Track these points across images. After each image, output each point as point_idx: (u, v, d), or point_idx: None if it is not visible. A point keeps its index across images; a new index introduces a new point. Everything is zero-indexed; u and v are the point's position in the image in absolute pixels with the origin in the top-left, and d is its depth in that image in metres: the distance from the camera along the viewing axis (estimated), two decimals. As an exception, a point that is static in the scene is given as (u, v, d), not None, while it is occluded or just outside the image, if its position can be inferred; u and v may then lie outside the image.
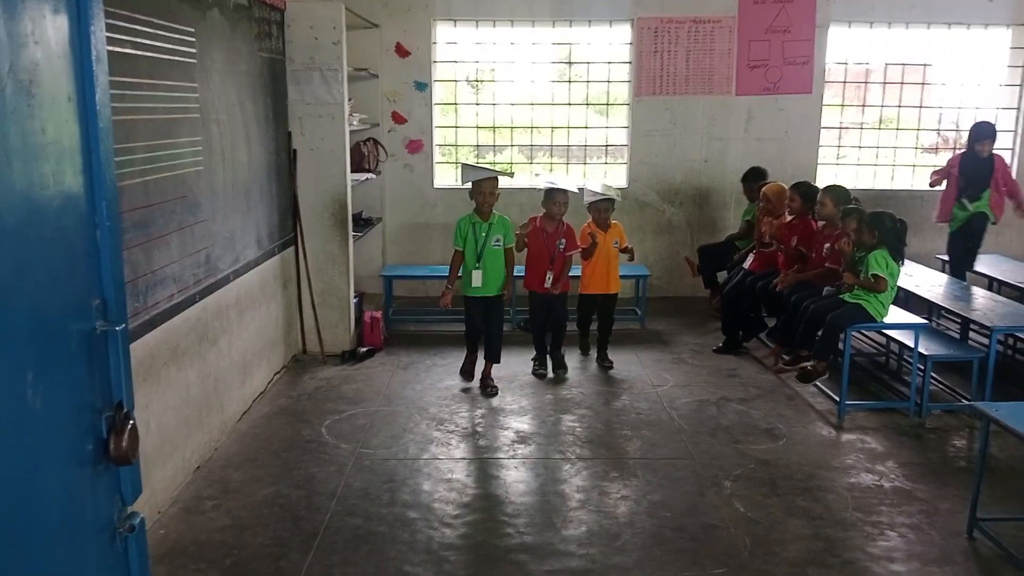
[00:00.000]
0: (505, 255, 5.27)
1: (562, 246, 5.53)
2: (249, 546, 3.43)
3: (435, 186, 7.63)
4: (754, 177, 6.88)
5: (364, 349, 5.93)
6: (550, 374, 5.64)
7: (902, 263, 5.06)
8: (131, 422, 1.24)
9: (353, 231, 6.06)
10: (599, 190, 5.69)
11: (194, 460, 4.10)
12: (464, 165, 5.64)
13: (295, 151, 5.61)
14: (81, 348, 1.20)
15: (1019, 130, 7.86)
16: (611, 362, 5.83)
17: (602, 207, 5.66)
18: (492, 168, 5.82)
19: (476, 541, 3.48)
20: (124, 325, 1.27)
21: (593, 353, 6.00)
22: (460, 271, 5.31)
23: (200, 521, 3.64)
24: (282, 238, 5.52)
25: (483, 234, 5.19)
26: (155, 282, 3.62)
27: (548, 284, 5.51)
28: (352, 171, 6.05)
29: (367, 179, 6.63)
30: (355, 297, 6.11)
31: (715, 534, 3.52)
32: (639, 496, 3.90)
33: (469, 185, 5.24)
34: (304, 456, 4.31)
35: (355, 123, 6.24)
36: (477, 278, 5.21)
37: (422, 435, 4.58)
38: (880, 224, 4.97)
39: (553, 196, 5.52)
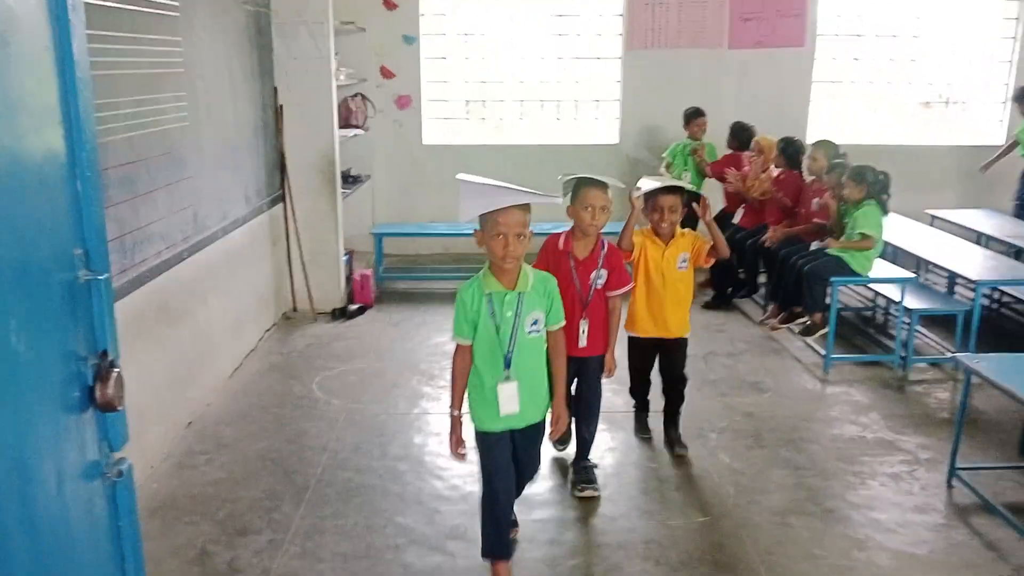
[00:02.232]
0: (551, 345, 2.87)
1: (600, 282, 3.41)
2: (242, 499, 3.48)
3: (425, 143, 7.58)
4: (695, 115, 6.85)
5: (355, 307, 5.95)
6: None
7: (886, 215, 5.11)
8: (116, 370, 1.25)
9: (342, 188, 6.03)
10: (655, 182, 3.75)
11: (186, 416, 4.14)
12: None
13: (281, 107, 5.56)
14: (64, 297, 1.21)
15: (1011, 82, 7.83)
16: (685, 446, 3.87)
17: (667, 204, 3.62)
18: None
19: (465, 492, 3.54)
20: (107, 275, 1.28)
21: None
22: (469, 387, 2.86)
23: (193, 475, 3.68)
24: (270, 195, 5.50)
25: (509, 312, 2.72)
26: (142, 239, 3.61)
27: (583, 343, 3.42)
28: (340, 127, 6.00)
29: (355, 135, 6.58)
30: (345, 255, 6.11)
31: (699, 484, 3.59)
32: (626, 448, 3.96)
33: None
34: (295, 412, 4.35)
35: (342, 78, 6.17)
36: (508, 398, 2.76)
37: (412, 390, 4.63)
38: (863, 177, 5.00)
39: (585, 194, 3.31)
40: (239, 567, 3.02)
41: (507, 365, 2.73)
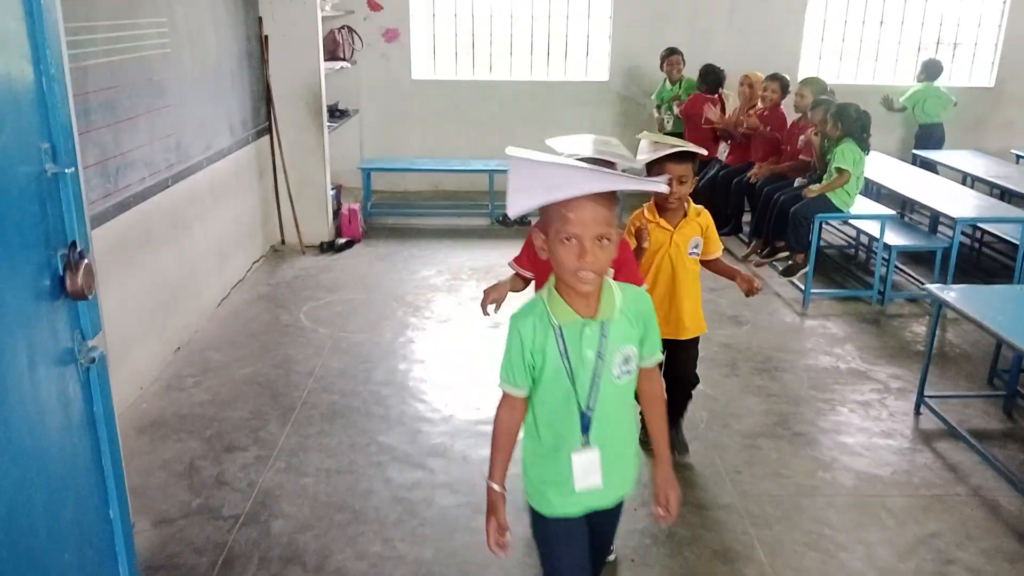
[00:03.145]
0: (644, 389, 1.99)
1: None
2: (229, 419, 3.58)
3: (413, 78, 7.51)
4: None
5: (342, 240, 5.99)
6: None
7: (867, 153, 5.13)
8: (85, 260, 1.30)
9: (329, 122, 6.01)
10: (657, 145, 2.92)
11: (174, 342, 4.21)
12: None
13: (267, 37, 5.50)
14: (31, 188, 1.25)
15: (1003, 24, 7.76)
16: (687, 448, 3.36)
17: (676, 173, 2.85)
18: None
19: (447, 414, 3.64)
20: (73, 168, 1.32)
21: None
22: (525, 452, 1.99)
23: (181, 397, 3.77)
24: (256, 127, 5.49)
25: (590, 351, 1.81)
26: (125, 164, 3.63)
27: None
28: (326, 60, 5.96)
29: (342, 68, 6.53)
30: (333, 189, 6.12)
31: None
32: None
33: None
34: (282, 339, 4.43)
35: (328, 9, 6.10)
36: (588, 467, 1.87)
37: (399, 321, 4.70)
38: (845, 115, 5.02)
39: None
40: (226, 480, 3.13)
41: (586, 429, 1.82)
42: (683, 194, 2.93)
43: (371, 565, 2.68)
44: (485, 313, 2.76)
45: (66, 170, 1.29)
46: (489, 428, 1.91)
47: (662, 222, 3.00)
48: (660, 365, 1.96)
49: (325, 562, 2.69)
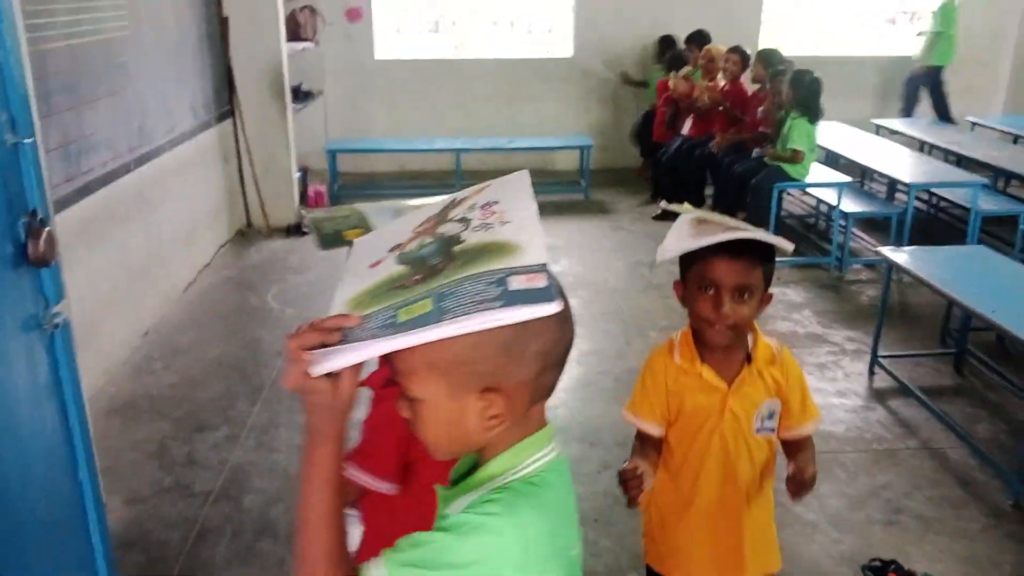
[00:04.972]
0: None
1: None
2: (198, 400, 3.61)
3: (376, 57, 7.51)
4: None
5: (310, 222, 5.99)
6: None
7: (818, 119, 5.27)
8: (46, 228, 1.35)
9: (293, 103, 6.00)
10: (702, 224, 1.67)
11: (143, 325, 4.22)
12: None
13: (227, 18, 5.47)
14: (-10, 159, 1.29)
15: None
16: None
17: (730, 282, 1.56)
18: None
19: (415, 388, 3.70)
20: (32, 139, 1.36)
21: None
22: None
23: (151, 379, 3.80)
24: (219, 110, 5.47)
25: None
26: (87, 147, 3.63)
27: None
28: (288, 40, 5.94)
29: (304, 49, 6.51)
30: (299, 171, 6.12)
31: (635, 375, 3.78)
32: (571, 346, 4.14)
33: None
34: (251, 321, 4.46)
35: (289, -11, 6.08)
36: None
37: (366, 299, 4.74)
38: (800, 83, 5.14)
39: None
40: (197, 459, 3.18)
41: None
42: (743, 318, 1.60)
43: (343, 532, 2.74)
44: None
45: (25, 140, 1.33)
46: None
47: (705, 372, 1.68)
48: None
49: (297, 531, 2.75)
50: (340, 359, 0.85)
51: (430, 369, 0.89)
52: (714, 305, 1.56)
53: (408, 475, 1.40)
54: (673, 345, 1.72)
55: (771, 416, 1.68)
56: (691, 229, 1.60)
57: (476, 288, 0.82)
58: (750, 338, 1.66)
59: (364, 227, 1.33)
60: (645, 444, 1.73)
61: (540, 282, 0.82)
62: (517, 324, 0.82)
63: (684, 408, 1.69)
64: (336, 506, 0.92)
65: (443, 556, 0.86)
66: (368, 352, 0.84)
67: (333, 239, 1.32)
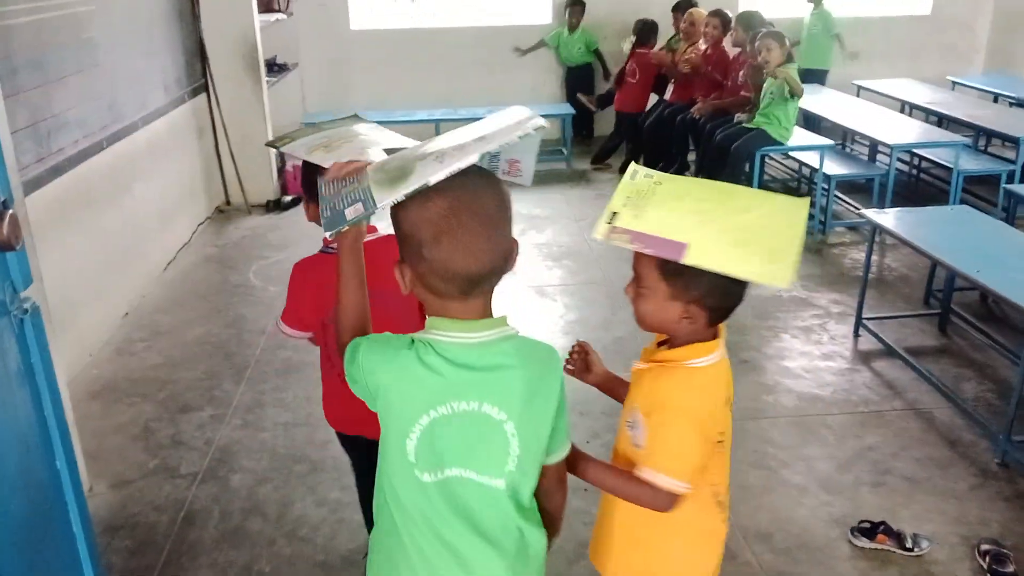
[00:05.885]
0: None
1: None
2: (182, 380, 3.57)
3: (352, 28, 7.37)
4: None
5: (289, 198, 5.92)
6: None
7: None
8: (10, 211, 1.30)
9: (267, 76, 5.89)
10: None
11: (122, 306, 4.16)
12: None
13: (196, -10, 5.35)
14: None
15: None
16: None
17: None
18: None
19: (401, 363, 3.67)
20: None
21: None
22: None
23: (132, 361, 3.75)
24: (191, 85, 5.36)
25: None
26: (57, 127, 3.54)
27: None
28: (260, 11, 5.82)
29: (277, 20, 6.38)
30: (276, 145, 6.02)
31: (621, 343, 3.76)
32: (555, 318, 4.12)
33: None
34: (233, 299, 4.40)
35: (260, -41, 5.94)
36: None
37: (349, 274, 4.69)
38: (782, 40, 5.10)
39: None
40: (182, 440, 3.14)
41: None
42: (637, 311, 1.47)
43: (331, 511, 2.73)
44: None
45: (-18, 124, 1.28)
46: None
47: (646, 346, 1.58)
48: None
49: (286, 511, 2.74)
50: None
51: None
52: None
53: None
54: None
55: (633, 426, 1.47)
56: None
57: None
58: (683, 352, 1.42)
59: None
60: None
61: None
62: None
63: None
64: (358, 292, 1.36)
65: None
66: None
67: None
